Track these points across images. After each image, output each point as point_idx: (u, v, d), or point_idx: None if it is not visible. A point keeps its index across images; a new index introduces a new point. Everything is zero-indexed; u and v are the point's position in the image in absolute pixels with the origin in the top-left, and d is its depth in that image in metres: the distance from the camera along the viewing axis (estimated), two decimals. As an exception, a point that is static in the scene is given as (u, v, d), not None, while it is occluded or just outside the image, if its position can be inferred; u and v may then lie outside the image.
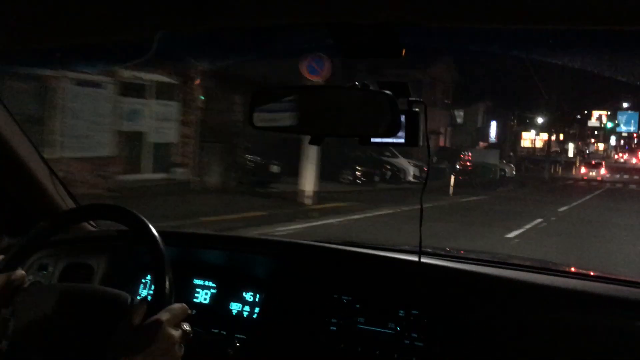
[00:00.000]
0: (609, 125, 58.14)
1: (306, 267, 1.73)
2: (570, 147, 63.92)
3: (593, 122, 61.65)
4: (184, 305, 1.19)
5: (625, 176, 42.45)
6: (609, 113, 57.29)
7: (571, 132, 61.47)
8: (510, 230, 10.72)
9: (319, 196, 13.56)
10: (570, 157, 56.03)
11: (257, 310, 1.69)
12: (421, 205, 1.44)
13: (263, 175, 16.01)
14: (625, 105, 53.41)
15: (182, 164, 14.67)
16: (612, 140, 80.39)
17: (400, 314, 1.53)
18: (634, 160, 78.25)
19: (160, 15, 1.12)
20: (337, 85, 1.19)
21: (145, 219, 1.35)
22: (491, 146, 37.74)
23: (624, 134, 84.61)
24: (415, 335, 1.50)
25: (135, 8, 1.10)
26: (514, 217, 13.13)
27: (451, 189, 18.94)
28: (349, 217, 11.91)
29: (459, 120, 37.04)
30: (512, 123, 48.64)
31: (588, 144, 68.29)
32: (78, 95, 12.17)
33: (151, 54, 1.46)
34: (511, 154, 45.25)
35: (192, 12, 1.09)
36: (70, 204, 1.93)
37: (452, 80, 33.30)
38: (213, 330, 1.67)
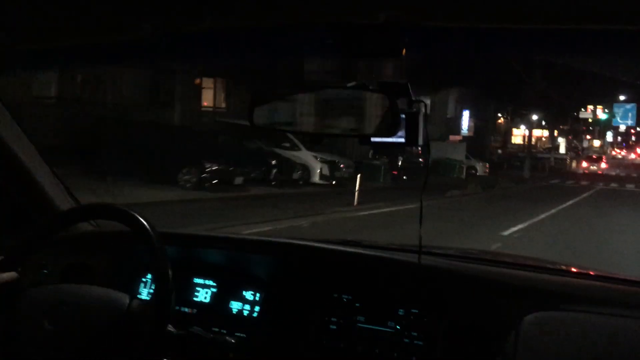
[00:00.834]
0: (604, 117, 53.36)
1: (306, 267, 1.74)
2: (562, 143, 61.07)
3: (585, 113, 55.33)
4: None
5: (623, 174, 39.25)
6: (605, 111, 53.04)
7: (563, 127, 58.70)
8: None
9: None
10: (562, 154, 52.84)
11: (257, 309, 1.69)
12: (421, 204, 1.46)
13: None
14: (622, 97, 48.41)
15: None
16: (609, 136, 76.30)
17: (400, 313, 1.54)
18: (632, 156, 75.84)
19: (160, 15, 1.12)
20: (337, 85, 1.20)
21: (145, 219, 1.36)
22: (466, 140, 32.76)
23: (621, 130, 79.60)
24: (415, 334, 1.50)
25: (136, 8, 1.10)
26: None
27: (356, 196, 13.81)
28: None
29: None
30: (496, 115, 45.27)
31: (582, 140, 63.97)
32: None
33: (151, 55, 1.46)
34: (499, 150, 42.84)
35: (192, 12, 1.09)
36: (70, 203, 1.93)
37: (407, 55, 29.67)
38: (213, 329, 1.67)
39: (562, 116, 51.98)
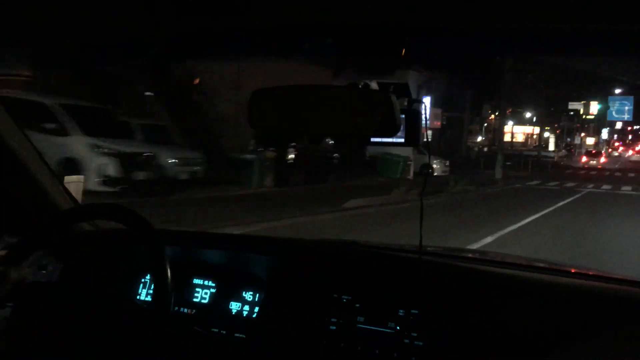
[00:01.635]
0: (597, 108, 48.66)
1: (306, 266, 1.74)
2: (552, 139, 58.02)
3: (575, 104, 49.36)
4: None
5: (619, 173, 33.50)
6: (599, 103, 48.95)
7: (553, 123, 54.74)
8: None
9: None
10: (550, 152, 48.52)
11: (256, 309, 1.69)
12: (421, 202, 1.46)
13: None
14: (617, 91, 43.16)
15: None
16: (604, 134, 72.35)
17: (400, 314, 1.54)
18: (630, 153, 72.89)
19: (161, 15, 1.13)
20: (337, 85, 1.20)
21: (144, 219, 1.36)
22: (435, 133, 27.84)
23: (617, 127, 75.25)
24: (415, 334, 1.50)
25: (136, 8, 1.10)
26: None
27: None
28: None
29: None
30: (484, 110, 41.02)
31: (574, 137, 58.18)
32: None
33: (151, 54, 1.46)
34: (476, 148, 38.71)
35: (192, 12, 1.09)
36: (70, 203, 1.93)
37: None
38: (213, 329, 1.67)
39: (550, 110, 47.88)
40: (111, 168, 10.64)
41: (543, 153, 42.75)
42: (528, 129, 58.36)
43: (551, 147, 55.02)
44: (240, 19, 1.12)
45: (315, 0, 1.00)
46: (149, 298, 1.80)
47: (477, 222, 11.16)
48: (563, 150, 53.91)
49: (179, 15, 1.11)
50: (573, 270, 1.76)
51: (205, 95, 17.43)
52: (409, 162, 21.72)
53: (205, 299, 1.77)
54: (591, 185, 22.94)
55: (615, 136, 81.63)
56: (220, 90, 16.93)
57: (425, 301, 1.53)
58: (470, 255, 1.86)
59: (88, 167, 10.41)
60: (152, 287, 1.80)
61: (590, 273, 1.67)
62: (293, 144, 15.56)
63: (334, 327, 1.58)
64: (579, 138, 56.95)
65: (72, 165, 10.23)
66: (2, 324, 1.32)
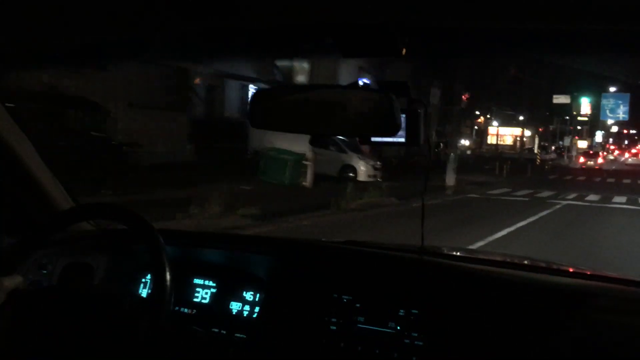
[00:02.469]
0: (586, 101, 44.04)
1: (306, 266, 1.74)
2: (535, 140, 55.38)
3: (560, 98, 43.43)
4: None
5: (612, 179, 27.32)
6: (590, 100, 44.86)
7: (536, 123, 52.41)
8: None
9: None
10: (533, 154, 43.10)
11: (257, 309, 1.69)
12: (422, 201, 1.46)
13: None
14: (612, 89, 38.91)
15: None
16: (598, 136, 68.44)
17: (401, 314, 1.54)
18: (626, 156, 68.62)
19: (160, 14, 1.13)
20: (337, 85, 1.20)
21: (144, 218, 1.36)
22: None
23: (612, 130, 70.55)
24: (416, 334, 1.50)
25: (135, 7, 1.10)
26: None
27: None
28: None
29: (277, 77, 19.81)
30: (470, 110, 36.10)
31: (564, 138, 53.18)
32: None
33: (151, 53, 1.47)
34: (446, 151, 27.67)
35: (191, 12, 1.09)
36: (69, 203, 1.93)
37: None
38: (213, 329, 1.67)
39: (532, 105, 44.59)
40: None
41: (527, 156, 39.34)
42: (517, 131, 56.73)
43: (536, 148, 51.37)
44: (240, 19, 1.12)
45: (315, 0, 1.00)
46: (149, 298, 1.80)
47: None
48: (553, 153, 51.99)
49: (179, 15, 1.11)
50: (573, 271, 1.76)
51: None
52: (305, 162, 15.21)
53: (205, 298, 1.77)
54: (573, 195, 17.18)
55: (611, 140, 78.80)
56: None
57: (425, 301, 1.53)
58: (470, 255, 1.86)
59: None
60: (152, 286, 1.80)
61: (590, 273, 1.67)
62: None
63: (334, 327, 1.58)
64: (569, 140, 51.24)
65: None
66: (2, 324, 1.32)
